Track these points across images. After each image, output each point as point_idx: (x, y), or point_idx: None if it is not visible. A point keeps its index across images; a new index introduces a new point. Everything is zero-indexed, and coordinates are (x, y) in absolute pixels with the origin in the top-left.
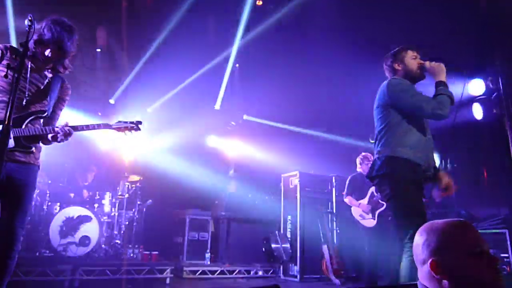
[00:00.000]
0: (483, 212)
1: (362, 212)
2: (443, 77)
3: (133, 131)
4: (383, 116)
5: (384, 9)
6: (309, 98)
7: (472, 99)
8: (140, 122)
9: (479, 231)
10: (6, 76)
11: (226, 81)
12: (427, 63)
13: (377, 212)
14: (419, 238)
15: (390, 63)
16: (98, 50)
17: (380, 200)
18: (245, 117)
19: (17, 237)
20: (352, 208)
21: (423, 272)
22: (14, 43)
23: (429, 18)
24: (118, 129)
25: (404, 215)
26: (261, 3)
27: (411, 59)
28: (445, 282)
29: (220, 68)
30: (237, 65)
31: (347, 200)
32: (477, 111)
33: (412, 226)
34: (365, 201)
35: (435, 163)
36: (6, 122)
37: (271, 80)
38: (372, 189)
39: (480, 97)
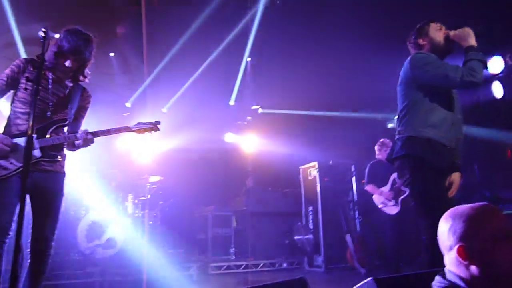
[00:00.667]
0: (509, 193)
1: (384, 200)
2: (471, 41)
3: (152, 131)
4: (406, 93)
5: None
6: (326, 85)
7: (492, 77)
8: (158, 122)
9: (505, 212)
10: (25, 89)
11: (241, 76)
12: (451, 32)
13: (400, 199)
14: (444, 225)
15: (414, 39)
16: (112, 54)
17: (401, 187)
18: (260, 110)
19: (49, 244)
20: (374, 196)
21: (450, 259)
22: (22, 53)
23: None
24: (138, 131)
25: (424, 203)
26: None
27: (436, 30)
28: (473, 267)
29: (233, 63)
30: (248, 58)
31: (368, 188)
32: (497, 89)
33: (432, 214)
34: (386, 188)
35: (460, 149)
36: (29, 132)
37: (285, 70)
38: (394, 175)
39: (500, 74)
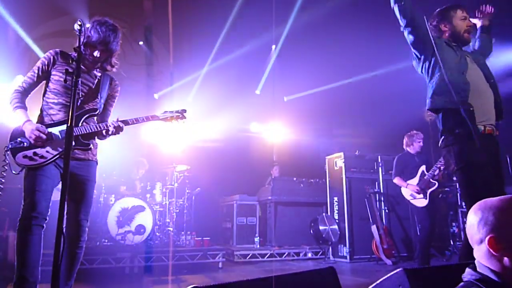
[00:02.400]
0: None
1: (412, 192)
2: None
3: (179, 119)
4: (419, 69)
5: None
6: (354, 73)
7: None
8: (184, 110)
9: None
10: (65, 81)
11: (271, 65)
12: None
13: (428, 191)
14: (473, 217)
15: (436, 23)
16: (141, 43)
17: (431, 179)
18: (285, 99)
19: (83, 229)
20: (401, 189)
21: (481, 251)
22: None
23: None
24: (165, 119)
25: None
26: None
27: (460, 20)
28: (506, 259)
29: (260, 52)
30: (273, 46)
31: (395, 180)
32: None
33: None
34: (414, 181)
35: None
36: (69, 124)
37: (311, 58)
38: (423, 168)
39: None
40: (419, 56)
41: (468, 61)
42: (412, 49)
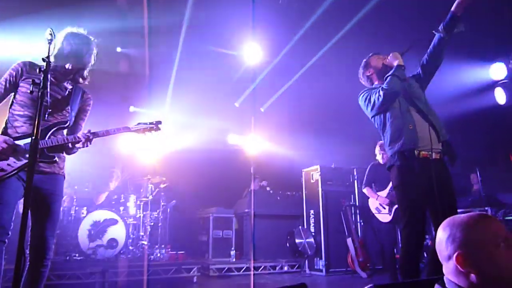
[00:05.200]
0: (510, 197)
1: (378, 205)
2: (398, 62)
3: (153, 131)
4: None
5: None
6: (329, 87)
7: (494, 84)
8: (159, 122)
9: (508, 217)
10: (31, 92)
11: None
12: (385, 60)
13: (394, 208)
14: (442, 234)
15: (363, 75)
16: (119, 49)
17: None
18: (262, 109)
19: (49, 246)
20: (369, 200)
21: (449, 268)
22: None
23: (449, 3)
24: (138, 131)
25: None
26: None
27: (377, 60)
28: (473, 276)
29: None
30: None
31: (365, 190)
32: (500, 96)
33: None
34: (384, 193)
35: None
36: (35, 137)
37: (287, 70)
38: None
39: (503, 81)
40: (372, 116)
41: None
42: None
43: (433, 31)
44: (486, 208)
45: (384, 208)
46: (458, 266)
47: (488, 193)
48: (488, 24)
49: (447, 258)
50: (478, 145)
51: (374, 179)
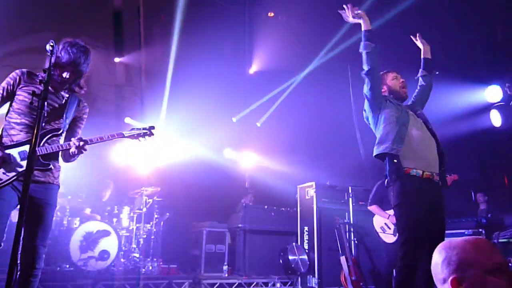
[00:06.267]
0: (508, 219)
1: (384, 225)
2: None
3: (146, 136)
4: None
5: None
6: (326, 105)
7: (490, 106)
8: (153, 127)
9: (503, 239)
10: (31, 103)
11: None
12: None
13: None
14: (437, 257)
15: None
16: (117, 59)
17: None
18: (258, 124)
19: (39, 256)
20: (374, 218)
21: None
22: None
23: (444, 26)
24: (132, 136)
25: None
26: (272, 15)
27: (392, 79)
28: None
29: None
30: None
31: (372, 208)
32: (496, 118)
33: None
34: (390, 212)
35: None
36: (32, 146)
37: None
38: None
39: (498, 103)
40: (368, 110)
41: (409, 115)
42: (366, 101)
43: (416, 77)
44: (481, 230)
45: (390, 228)
46: None
47: (484, 215)
48: (483, 47)
49: (442, 282)
50: (475, 167)
51: (382, 198)
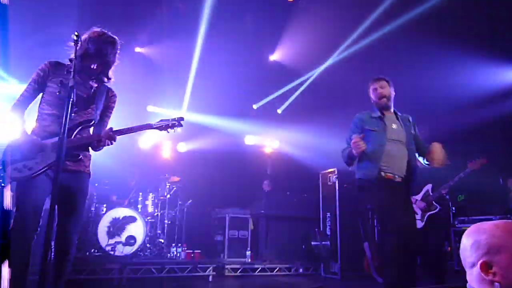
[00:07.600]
0: None
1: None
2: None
3: (175, 128)
4: None
5: None
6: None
7: None
8: (182, 118)
9: None
10: (59, 92)
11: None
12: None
13: (427, 214)
14: (466, 241)
15: None
16: (137, 50)
17: (433, 202)
18: (279, 111)
19: (72, 242)
20: None
21: (473, 275)
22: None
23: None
24: (160, 127)
25: None
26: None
27: (372, 92)
28: (497, 284)
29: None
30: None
31: None
32: None
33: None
34: (418, 197)
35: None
36: (61, 135)
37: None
38: (428, 186)
39: None
40: None
41: (387, 126)
42: None
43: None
44: (509, 215)
45: (417, 214)
46: (482, 274)
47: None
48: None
49: (471, 265)
50: (503, 151)
51: None
